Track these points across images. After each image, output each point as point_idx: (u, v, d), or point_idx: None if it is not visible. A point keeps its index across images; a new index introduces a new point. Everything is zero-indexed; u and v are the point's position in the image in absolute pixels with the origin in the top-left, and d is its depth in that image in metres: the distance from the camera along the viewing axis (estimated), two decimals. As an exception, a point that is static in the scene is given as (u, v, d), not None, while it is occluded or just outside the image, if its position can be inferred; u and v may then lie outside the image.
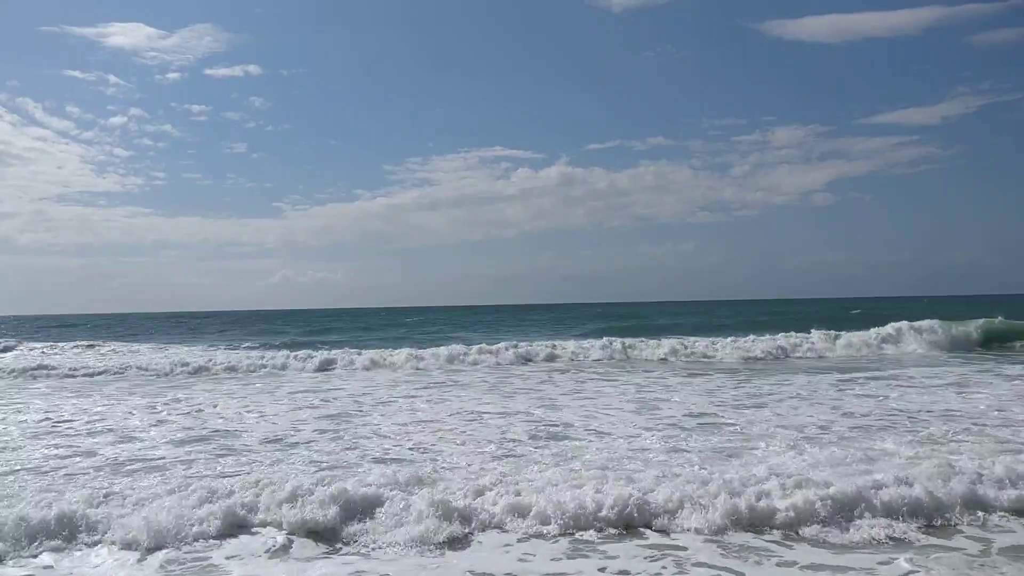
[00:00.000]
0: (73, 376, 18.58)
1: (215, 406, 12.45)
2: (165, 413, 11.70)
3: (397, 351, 21.47)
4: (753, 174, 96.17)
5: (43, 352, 27.81)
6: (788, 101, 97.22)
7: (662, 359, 20.85)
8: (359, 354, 21.08)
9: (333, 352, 21.50)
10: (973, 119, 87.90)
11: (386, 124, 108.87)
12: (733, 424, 9.79)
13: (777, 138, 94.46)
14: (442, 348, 21.65)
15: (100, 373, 18.89)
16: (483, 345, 21.99)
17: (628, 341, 22.69)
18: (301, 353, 21.55)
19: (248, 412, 11.75)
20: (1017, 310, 40.10)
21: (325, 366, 19.82)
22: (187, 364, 19.71)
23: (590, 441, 8.73)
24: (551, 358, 21.04)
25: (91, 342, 31.88)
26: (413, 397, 13.41)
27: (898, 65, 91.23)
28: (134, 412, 11.84)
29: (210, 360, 20.58)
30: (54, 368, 19.50)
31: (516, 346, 21.94)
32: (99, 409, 12.30)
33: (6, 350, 28.52)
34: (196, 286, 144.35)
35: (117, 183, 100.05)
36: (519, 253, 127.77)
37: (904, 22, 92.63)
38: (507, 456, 7.92)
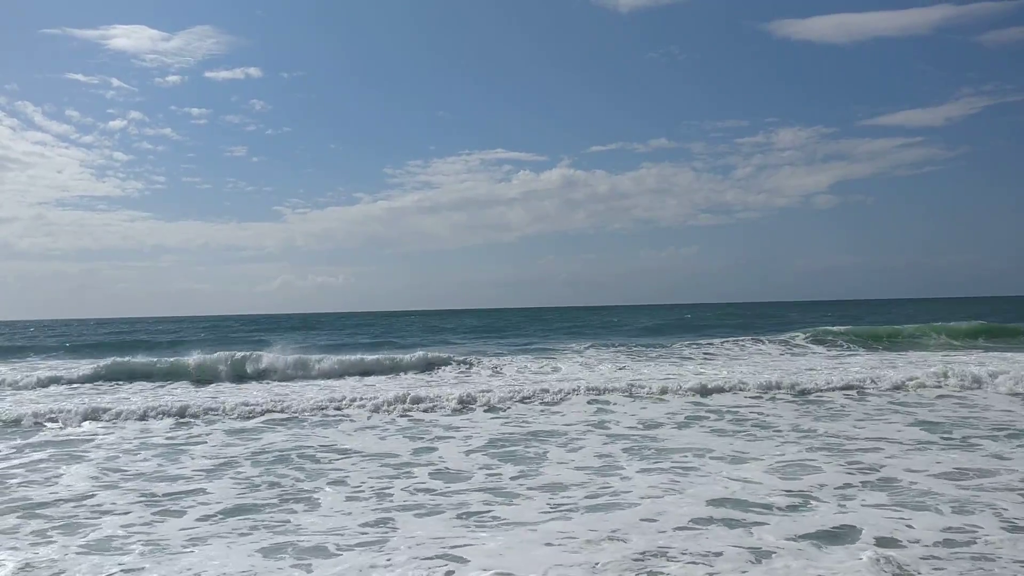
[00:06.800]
0: None
1: None
2: None
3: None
4: (756, 176, 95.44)
5: None
6: (791, 102, 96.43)
7: None
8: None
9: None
10: (977, 120, 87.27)
11: (387, 126, 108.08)
12: None
13: (780, 140, 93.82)
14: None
15: None
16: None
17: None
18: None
19: None
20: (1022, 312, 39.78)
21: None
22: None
23: None
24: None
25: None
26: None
27: (902, 66, 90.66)
28: None
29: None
30: None
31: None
32: None
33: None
34: (196, 291, 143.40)
35: (117, 187, 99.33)
36: (520, 256, 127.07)
37: (913, 21, 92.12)
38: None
